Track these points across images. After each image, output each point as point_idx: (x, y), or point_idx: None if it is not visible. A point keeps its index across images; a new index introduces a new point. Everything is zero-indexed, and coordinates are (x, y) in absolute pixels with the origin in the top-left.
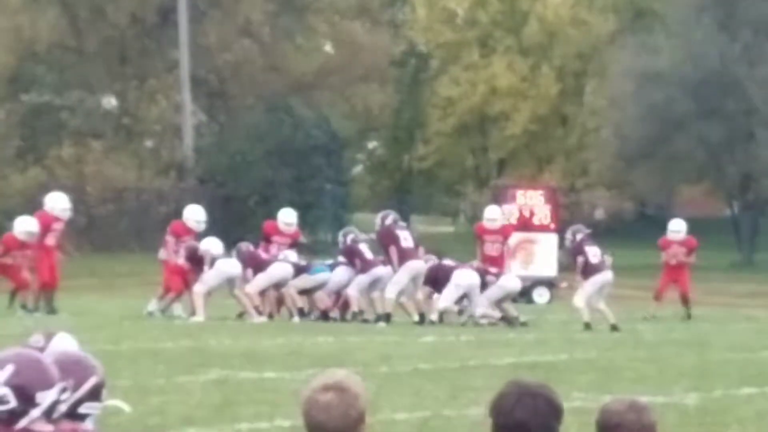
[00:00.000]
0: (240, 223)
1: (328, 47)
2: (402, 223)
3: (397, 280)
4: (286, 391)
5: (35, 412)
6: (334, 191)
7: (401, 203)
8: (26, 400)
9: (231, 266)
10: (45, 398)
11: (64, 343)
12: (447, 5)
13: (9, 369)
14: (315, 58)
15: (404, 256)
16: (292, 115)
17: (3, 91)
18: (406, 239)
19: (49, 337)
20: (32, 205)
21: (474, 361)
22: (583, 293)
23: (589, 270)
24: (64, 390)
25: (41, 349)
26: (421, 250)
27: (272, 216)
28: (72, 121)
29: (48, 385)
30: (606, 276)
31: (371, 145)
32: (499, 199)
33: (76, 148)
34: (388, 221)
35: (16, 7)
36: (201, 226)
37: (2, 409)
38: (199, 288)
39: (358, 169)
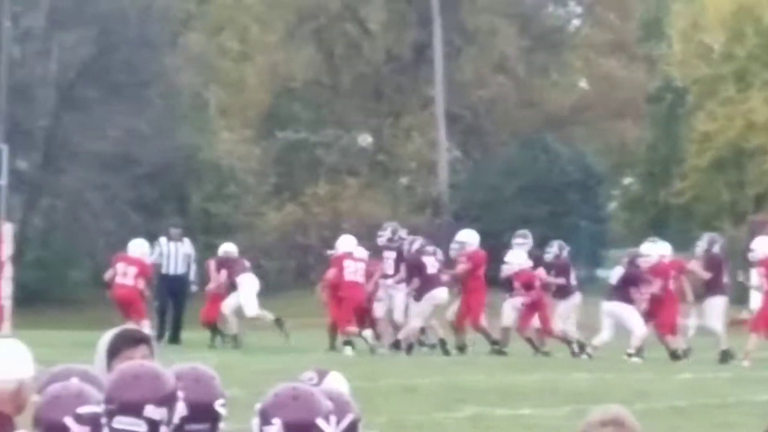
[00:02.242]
0: (495, 259)
1: (582, 83)
2: (430, 248)
3: (421, 311)
4: (542, 428)
5: None
6: (589, 227)
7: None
8: None
9: None
10: None
11: (336, 382)
12: (703, 40)
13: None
14: (570, 93)
15: (429, 284)
16: (547, 150)
17: (259, 129)
18: (432, 266)
19: (322, 375)
20: (288, 242)
21: (732, 398)
22: None
23: None
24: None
25: (314, 386)
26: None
27: None
28: (327, 158)
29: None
30: None
31: (626, 180)
32: (756, 233)
33: (332, 186)
34: (416, 246)
35: (272, 44)
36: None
37: None
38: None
39: (613, 205)
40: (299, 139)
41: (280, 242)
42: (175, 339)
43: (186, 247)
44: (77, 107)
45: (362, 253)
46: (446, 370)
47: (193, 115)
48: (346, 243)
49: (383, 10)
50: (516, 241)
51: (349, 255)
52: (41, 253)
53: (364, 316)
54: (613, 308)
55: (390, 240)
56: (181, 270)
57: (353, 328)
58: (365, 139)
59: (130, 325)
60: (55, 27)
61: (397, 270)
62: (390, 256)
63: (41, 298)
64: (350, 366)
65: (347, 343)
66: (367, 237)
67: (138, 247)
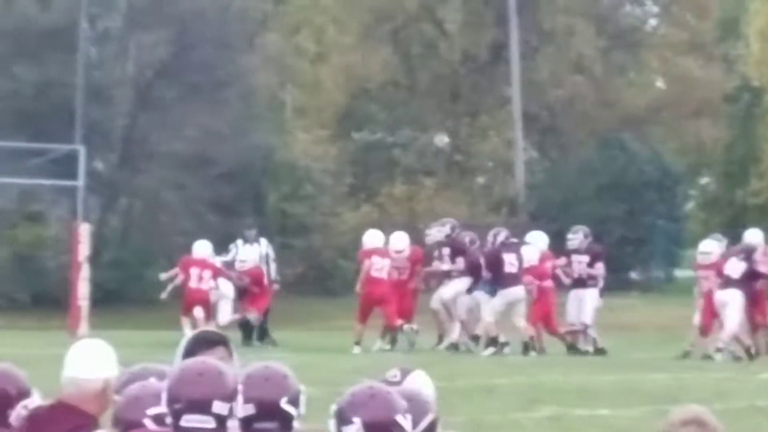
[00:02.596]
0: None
1: (659, 82)
2: (513, 241)
3: (494, 306)
4: (620, 428)
5: None
6: (666, 227)
7: (735, 239)
8: None
9: None
10: None
11: (420, 381)
12: None
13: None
14: (647, 93)
15: (505, 281)
16: (625, 150)
17: (335, 129)
18: (512, 264)
19: (405, 373)
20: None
21: None
22: None
23: None
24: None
25: (397, 384)
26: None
27: (606, 253)
28: (404, 158)
29: None
30: None
31: (703, 180)
32: None
33: (408, 186)
34: (500, 238)
35: (349, 45)
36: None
37: None
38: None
39: (690, 205)
40: (375, 140)
41: (356, 242)
42: (261, 338)
43: (262, 247)
44: (154, 107)
45: (403, 245)
46: (525, 370)
47: (270, 116)
48: (373, 238)
49: (460, 11)
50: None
51: (376, 251)
52: (118, 254)
53: (409, 311)
54: (726, 297)
55: (448, 236)
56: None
57: (362, 327)
58: (442, 140)
59: (207, 327)
60: (133, 27)
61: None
62: (447, 252)
63: (118, 298)
64: (428, 365)
65: (357, 342)
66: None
67: (204, 249)
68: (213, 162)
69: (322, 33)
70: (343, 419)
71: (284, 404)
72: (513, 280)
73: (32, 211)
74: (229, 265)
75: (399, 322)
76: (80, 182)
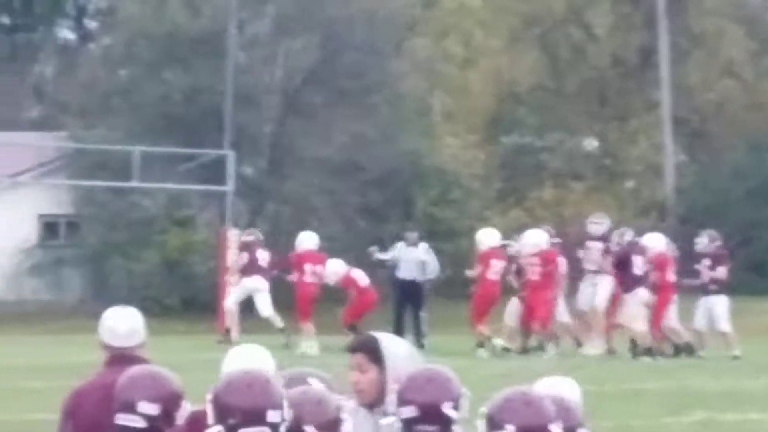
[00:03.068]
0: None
1: None
2: (638, 242)
3: (633, 314)
4: None
5: None
6: None
7: None
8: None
9: None
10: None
11: (568, 388)
12: None
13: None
14: None
15: (633, 281)
16: None
17: (484, 134)
18: (638, 267)
19: (553, 379)
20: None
21: None
22: None
23: None
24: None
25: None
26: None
27: (756, 257)
28: (552, 162)
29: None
30: None
31: None
32: None
33: (557, 190)
34: (627, 237)
35: (497, 49)
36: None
37: None
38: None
39: None
40: (524, 144)
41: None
42: (418, 344)
43: (420, 252)
44: (303, 113)
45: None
46: (674, 374)
47: (418, 121)
48: (492, 238)
49: (609, 14)
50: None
51: (494, 252)
52: None
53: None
54: None
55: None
56: (415, 275)
57: (485, 328)
58: (590, 143)
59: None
60: (282, 33)
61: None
62: (595, 246)
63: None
64: (576, 369)
65: (480, 345)
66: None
67: (313, 240)
68: (361, 167)
69: (471, 37)
70: (494, 424)
71: (446, 408)
72: (641, 281)
73: (181, 217)
74: (382, 263)
75: (486, 332)
76: (229, 187)
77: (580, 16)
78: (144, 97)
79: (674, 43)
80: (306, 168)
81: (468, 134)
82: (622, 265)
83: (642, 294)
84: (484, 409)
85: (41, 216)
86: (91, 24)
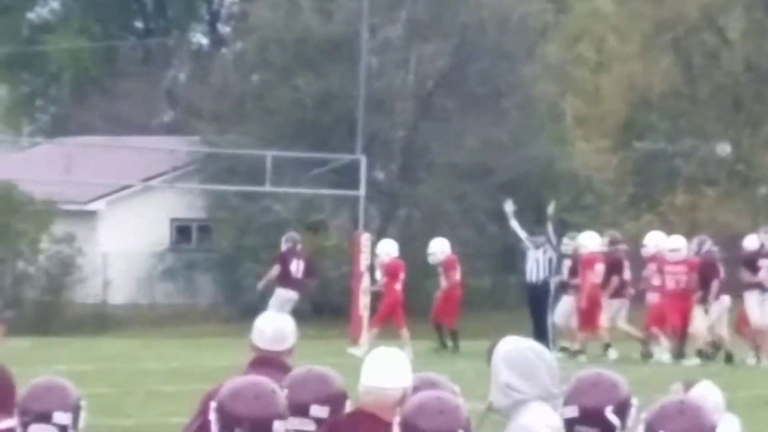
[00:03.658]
0: None
1: None
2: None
3: (710, 316)
4: None
5: None
6: None
7: None
8: None
9: None
10: None
11: (707, 392)
12: None
13: None
14: None
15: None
16: None
17: (616, 139)
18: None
19: (688, 386)
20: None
21: None
22: None
23: None
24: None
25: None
26: None
27: None
28: (686, 168)
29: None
30: None
31: None
32: None
33: (690, 195)
34: (705, 247)
35: (630, 54)
36: None
37: None
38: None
39: None
40: (657, 149)
41: (637, 250)
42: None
43: (549, 254)
44: (435, 118)
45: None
46: None
47: (550, 126)
48: (593, 241)
49: (742, 19)
50: None
51: (597, 256)
52: None
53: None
54: None
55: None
56: (541, 277)
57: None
58: (724, 149)
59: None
60: (414, 38)
61: None
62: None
63: None
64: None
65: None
66: (726, 247)
67: (391, 248)
68: (493, 172)
69: (603, 42)
70: (650, 431)
71: (609, 413)
72: (722, 288)
73: (314, 221)
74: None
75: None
76: (361, 192)
77: (714, 21)
78: (276, 102)
79: None
80: (437, 173)
81: (600, 139)
82: (713, 272)
83: (724, 299)
84: (644, 415)
85: (173, 220)
86: (224, 29)
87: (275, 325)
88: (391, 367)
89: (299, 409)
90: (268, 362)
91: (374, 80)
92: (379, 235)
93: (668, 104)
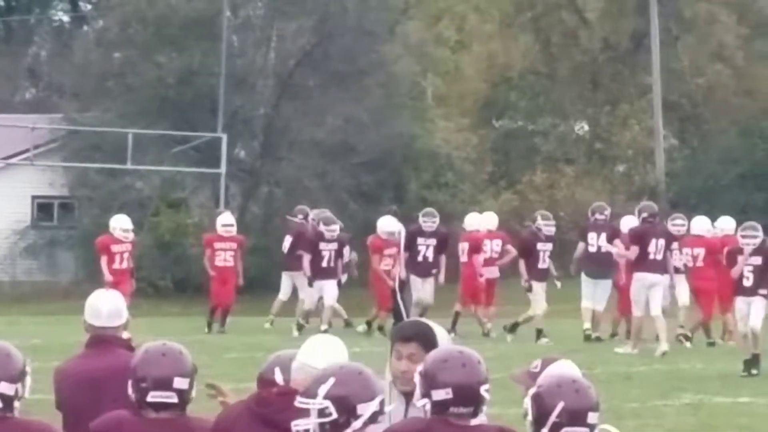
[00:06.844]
0: None
1: None
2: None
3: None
4: (762, 416)
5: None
6: None
7: None
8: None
9: None
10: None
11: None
12: None
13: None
14: None
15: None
16: (765, 139)
17: (476, 117)
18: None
19: (547, 362)
20: (504, 230)
21: None
22: None
23: None
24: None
25: (537, 374)
26: None
27: None
28: (544, 146)
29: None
30: None
31: None
32: None
33: (549, 174)
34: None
35: (490, 33)
36: None
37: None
38: None
39: None
40: (516, 128)
41: (497, 230)
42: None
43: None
44: (296, 96)
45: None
46: (664, 358)
47: (411, 104)
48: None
49: (600, 0)
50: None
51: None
52: (260, 241)
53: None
54: None
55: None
56: None
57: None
58: (582, 128)
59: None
60: (276, 16)
61: None
62: None
63: (261, 284)
64: (569, 354)
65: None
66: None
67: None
68: (354, 150)
69: (464, 21)
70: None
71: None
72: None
73: (175, 199)
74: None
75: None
76: (222, 170)
77: (572, 1)
78: (138, 80)
79: (665, 27)
80: (299, 151)
81: (460, 118)
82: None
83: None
84: (533, 390)
85: (35, 197)
86: (86, 6)
87: (110, 302)
88: (326, 350)
89: (163, 383)
90: (108, 339)
91: (236, 58)
92: (241, 212)
93: (527, 83)
